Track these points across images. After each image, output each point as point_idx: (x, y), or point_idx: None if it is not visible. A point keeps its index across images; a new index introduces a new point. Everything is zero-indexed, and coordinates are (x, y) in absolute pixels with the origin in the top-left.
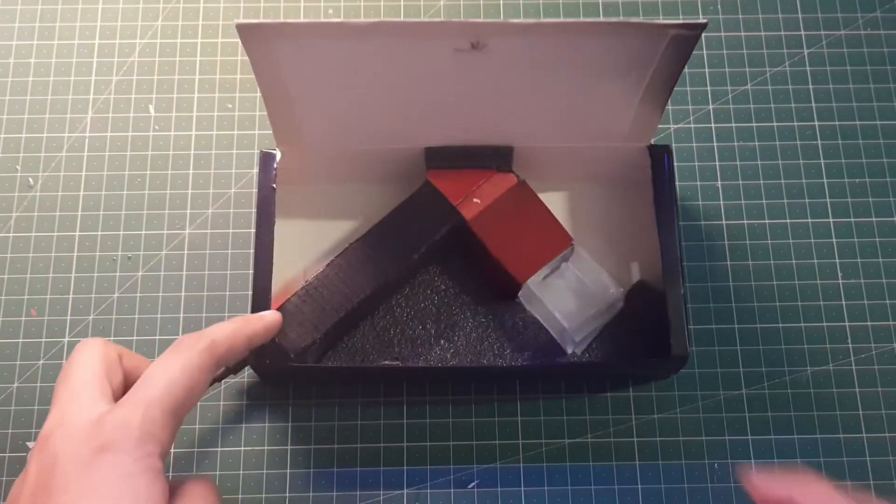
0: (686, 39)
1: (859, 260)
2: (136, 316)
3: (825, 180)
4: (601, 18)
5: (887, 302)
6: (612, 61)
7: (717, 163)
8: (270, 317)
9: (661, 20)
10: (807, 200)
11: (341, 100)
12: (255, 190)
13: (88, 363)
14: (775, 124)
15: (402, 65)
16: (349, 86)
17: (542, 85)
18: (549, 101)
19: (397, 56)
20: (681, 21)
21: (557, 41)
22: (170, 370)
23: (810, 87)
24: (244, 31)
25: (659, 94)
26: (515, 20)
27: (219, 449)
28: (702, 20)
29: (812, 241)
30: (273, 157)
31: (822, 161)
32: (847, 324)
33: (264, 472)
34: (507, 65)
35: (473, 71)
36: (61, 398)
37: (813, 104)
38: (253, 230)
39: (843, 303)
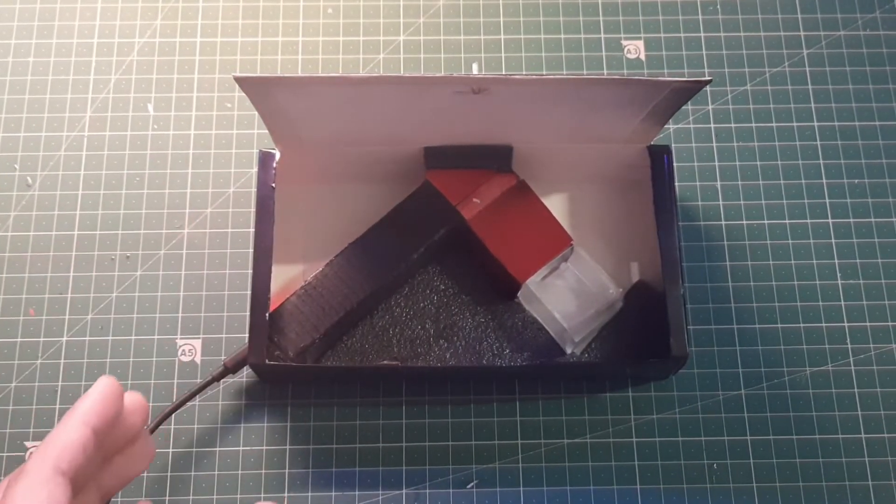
0: (688, 89)
1: (858, 261)
2: (135, 315)
3: (824, 181)
4: (605, 74)
5: (886, 302)
6: (612, 99)
7: (716, 163)
8: (102, 387)
9: (665, 77)
10: (806, 201)
11: (342, 109)
12: (254, 189)
13: None
14: (774, 125)
15: (403, 101)
16: (349, 107)
17: (542, 109)
18: (550, 113)
19: (398, 94)
20: (684, 79)
21: (559, 87)
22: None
23: (809, 87)
24: (243, 82)
25: (659, 117)
26: (517, 75)
27: (217, 449)
28: (706, 78)
29: (811, 241)
30: (272, 156)
31: (821, 162)
32: (846, 324)
33: (263, 472)
34: (507, 101)
35: (474, 104)
36: None
37: (812, 105)
38: (252, 229)
39: (842, 303)
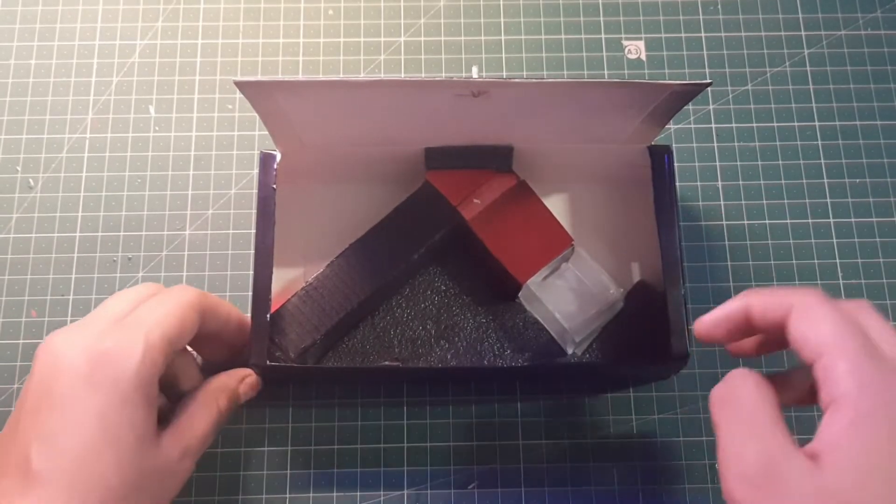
0: (689, 91)
1: (860, 260)
2: None
3: (825, 181)
4: (605, 78)
5: (888, 302)
6: (612, 102)
7: (717, 163)
8: (247, 320)
9: (666, 80)
10: (807, 201)
11: (342, 110)
12: (255, 191)
13: (128, 297)
14: (776, 125)
15: (403, 102)
16: (349, 109)
17: (542, 111)
18: (550, 114)
19: (398, 97)
20: (685, 82)
21: (559, 91)
22: (164, 302)
23: (811, 87)
24: (243, 86)
25: (659, 118)
26: (517, 79)
27: (219, 450)
28: (706, 81)
29: (813, 241)
30: (273, 157)
31: (822, 161)
32: None
33: (265, 472)
34: (507, 103)
35: (474, 105)
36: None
37: (813, 104)
38: (253, 231)
39: None
